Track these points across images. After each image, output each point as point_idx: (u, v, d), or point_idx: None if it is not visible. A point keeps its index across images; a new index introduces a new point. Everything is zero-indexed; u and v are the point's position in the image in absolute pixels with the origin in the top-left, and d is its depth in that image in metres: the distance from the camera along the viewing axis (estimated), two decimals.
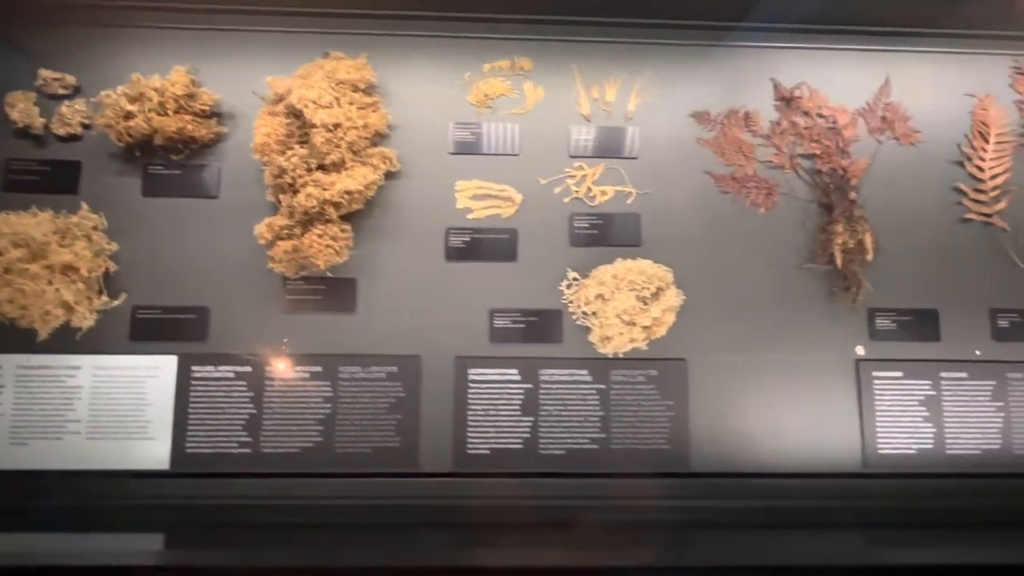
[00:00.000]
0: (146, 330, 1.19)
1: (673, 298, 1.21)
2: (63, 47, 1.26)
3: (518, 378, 1.20)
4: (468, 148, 1.27)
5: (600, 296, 1.19)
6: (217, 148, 1.25)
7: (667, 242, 1.27)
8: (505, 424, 1.19)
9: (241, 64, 1.28)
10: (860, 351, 1.25)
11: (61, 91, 1.24)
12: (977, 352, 1.24)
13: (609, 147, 1.28)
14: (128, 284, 1.20)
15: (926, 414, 1.23)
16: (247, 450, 1.17)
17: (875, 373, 1.24)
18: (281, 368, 1.18)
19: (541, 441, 1.19)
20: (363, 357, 1.20)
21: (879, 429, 1.23)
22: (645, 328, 1.19)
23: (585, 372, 1.21)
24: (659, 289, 1.20)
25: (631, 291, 1.18)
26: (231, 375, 1.18)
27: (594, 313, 1.20)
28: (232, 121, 1.26)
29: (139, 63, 1.25)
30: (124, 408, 1.17)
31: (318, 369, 1.19)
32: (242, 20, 1.29)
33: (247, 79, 1.26)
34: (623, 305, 1.18)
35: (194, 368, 1.18)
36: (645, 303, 1.19)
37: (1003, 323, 1.27)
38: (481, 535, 1.18)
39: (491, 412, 1.19)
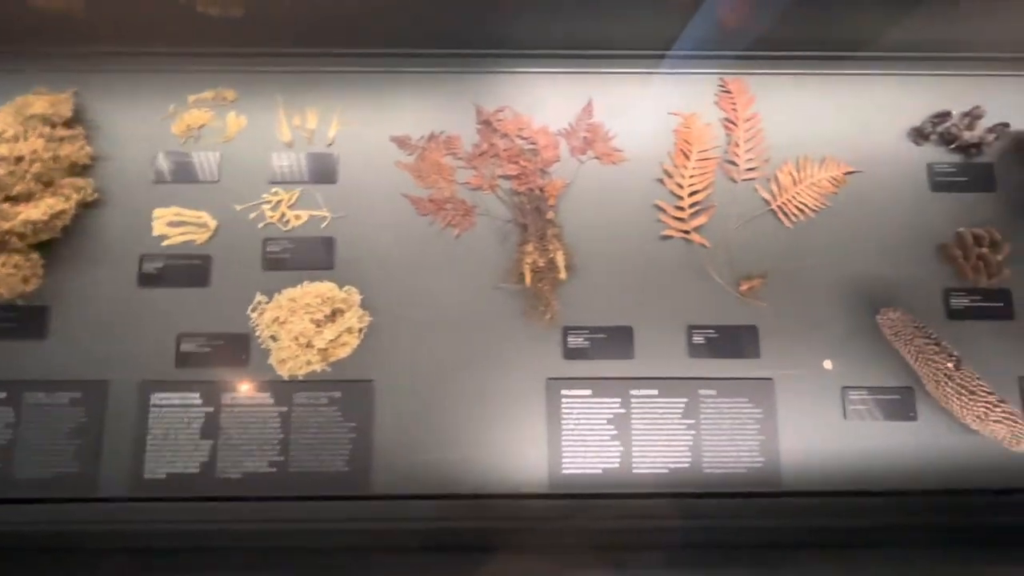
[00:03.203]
0: None
1: (353, 320, 1.22)
2: None
3: (199, 402, 1.21)
4: (170, 177, 1.30)
5: (277, 319, 1.21)
6: None
7: (362, 265, 1.28)
8: (183, 448, 1.20)
9: None
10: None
11: None
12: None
13: (308, 173, 1.31)
14: None
15: (614, 432, 1.22)
16: None
17: (564, 392, 1.24)
18: None
19: (219, 465, 1.20)
20: (49, 383, 1.22)
21: (565, 449, 1.21)
22: (322, 350, 1.20)
23: (268, 395, 1.22)
24: (336, 311, 1.22)
25: (306, 314, 1.20)
26: None
27: (273, 336, 1.22)
28: None
29: None
30: None
31: (2, 395, 1.21)
32: None
33: None
34: (298, 327, 1.19)
35: None
36: (319, 325, 1.20)
37: (698, 339, 1.26)
38: (157, 560, 1.18)
39: (170, 436, 1.20)
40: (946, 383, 1.18)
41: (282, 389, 1.22)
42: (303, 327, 1.19)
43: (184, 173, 1.31)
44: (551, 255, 1.26)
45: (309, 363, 1.20)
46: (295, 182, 1.31)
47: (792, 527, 1.20)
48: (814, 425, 1.23)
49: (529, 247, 1.26)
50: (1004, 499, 1.22)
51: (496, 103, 1.36)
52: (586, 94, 1.37)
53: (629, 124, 1.36)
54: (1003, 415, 1.16)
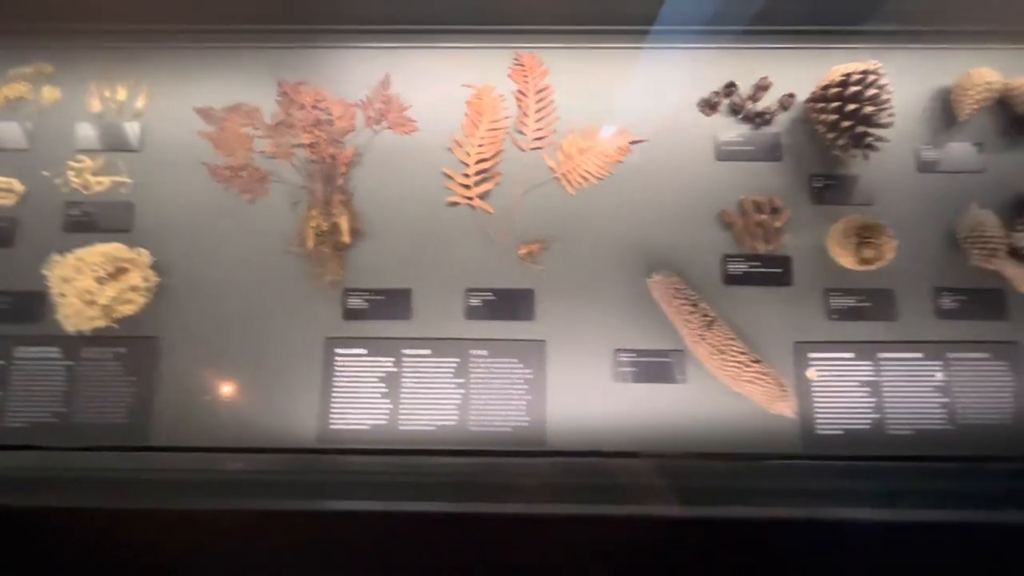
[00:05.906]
0: None
1: (137, 278, 1.27)
2: None
3: None
4: None
5: (62, 277, 1.27)
6: None
7: (160, 229, 1.34)
8: None
9: None
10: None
11: None
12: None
13: (114, 141, 1.37)
14: None
15: (384, 391, 1.25)
16: None
17: (338, 351, 1.27)
18: None
19: (7, 416, 1.26)
20: None
21: (334, 406, 1.25)
22: (105, 307, 1.26)
23: (56, 350, 1.28)
24: (119, 270, 1.27)
25: (92, 272, 1.26)
26: None
27: (62, 293, 1.28)
28: None
29: None
30: None
31: None
32: None
33: None
34: (83, 285, 1.25)
35: None
36: (101, 283, 1.26)
37: (475, 302, 1.29)
38: None
39: None
40: (701, 343, 1.19)
41: (71, 345, 1.28)
42: (87, 284, 1.25)
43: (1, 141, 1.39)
44: (336, 219, 1.31)
45: (92, 319, 1.26)
46: (101, 150, 1.38)
47: (555, 485, 1.22)
48: (583, 387, 1.25)
49: (313, 212, 1.31)
50: (767, 464, 1.22)
51: (300, 77, 1.42)
52: (385, 67, 1.42)
53: (426, 96, 1.40)
54: (754, 375, 1.17)
